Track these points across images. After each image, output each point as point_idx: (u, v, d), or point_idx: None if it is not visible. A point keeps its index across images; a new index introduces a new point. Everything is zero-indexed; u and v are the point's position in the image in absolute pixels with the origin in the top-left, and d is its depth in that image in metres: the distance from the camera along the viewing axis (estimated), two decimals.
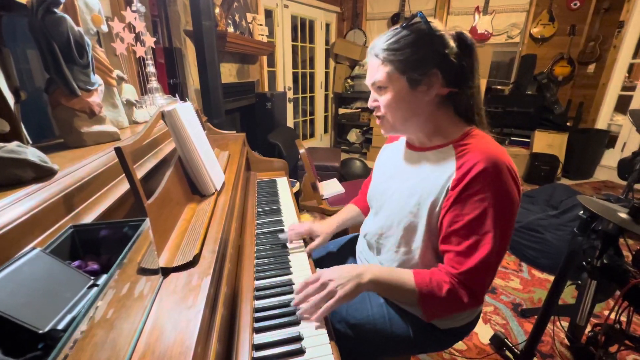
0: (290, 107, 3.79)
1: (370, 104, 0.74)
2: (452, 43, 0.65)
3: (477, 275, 0.62)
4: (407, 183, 0.74)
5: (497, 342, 1.36)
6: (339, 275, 0.65)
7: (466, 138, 0.68)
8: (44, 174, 0.49)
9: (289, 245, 0.92)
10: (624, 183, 2.79)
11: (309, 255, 0.90)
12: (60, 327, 0.31)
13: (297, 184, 2.27)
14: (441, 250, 0.68)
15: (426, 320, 0.69)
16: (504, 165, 0.61)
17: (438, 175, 0.67)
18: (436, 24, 0.65)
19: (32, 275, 0.34)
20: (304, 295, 0.66)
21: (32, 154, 0.48)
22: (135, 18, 1.11)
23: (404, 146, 0.81)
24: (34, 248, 0.36)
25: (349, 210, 1.05)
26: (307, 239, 0.96)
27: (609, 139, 3.35)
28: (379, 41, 0.68)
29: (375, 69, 0.68)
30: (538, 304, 1.62)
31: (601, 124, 3.48)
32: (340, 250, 1.06)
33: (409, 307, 0.77)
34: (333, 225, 0.99)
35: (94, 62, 0.75)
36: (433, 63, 0.64)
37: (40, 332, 0.30)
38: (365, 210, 1.00)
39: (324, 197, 2.02)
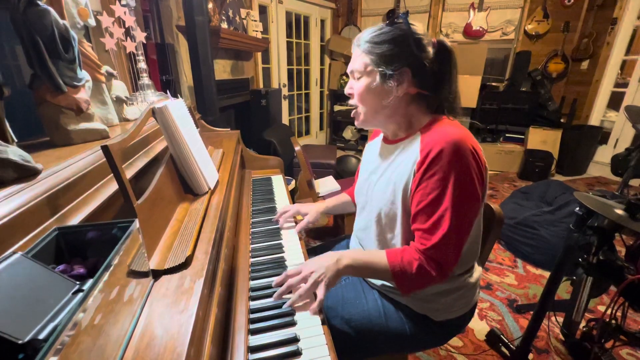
0: (285, 104, 3.76)
1: (346, 90, 0.78)
2: (429, 48, 0.69)
3: (441, 249, 0.66)
4: (384, 175, 0.78)
5: (493, 338, 1.36)
6: (319, 265, 0.68)
7: (432, 124, 0.72)
8: (26, 173, 0.47)
9: (280, 225, 1.00)
10: (617, 179, 2.82)
11: (300, 238, 0.95)
12: (41, 336, 0.30)
13: (293, 182, 2.26)
14: (412, 229, 0.71)
15: (402, 293, 0.73)
16: (462, 144, 0.65)
17: (407, 161, 0.71)
18: (418, 28, 0.69)
19: (13, 281, 0.32)
20: (287, 287, 0.68)
21: (14, 153, 0.45)
22: (125, 12, 1.08)
23: (381, 141, 0.85)
24: (14, 252, 0.34)
25: (340, 197, 1.09)
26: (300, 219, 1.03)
27: (601, 135, 3.38)
28: (364, 34, 0.72)
29: (355, 58, 0.73)
30: (533, 300, 1.63)
31: (594, 120, 3.51)
32: (337, 250, 1.05)
33: (403, 300, 0.78)
34: (322, 206, 1.04)
35: (80, 57, 0.72)
36: (405, 62, 0.68)
37: (20, 342, 0.28)
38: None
39: (319, 195, 2.01)
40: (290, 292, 0.69)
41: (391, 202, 0.74)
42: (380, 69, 0.69)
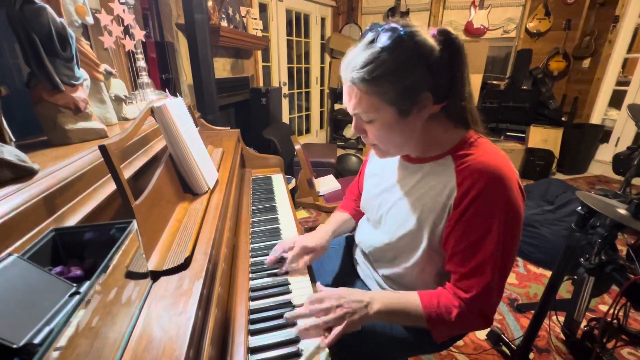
0: (285, 102, 3.75)
1: (354, 131, 0.66)
2: (438, 52, 0.55)
3: (486, 299, 0.60)
4: (406, 199, 0.69)
5: (494, 337, 1.36)
6: (348, 301, 0.60)
7: (465, 147, 0.62)
8: (22, 174, 0.46)
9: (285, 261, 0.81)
10: (618, 177, 2.81)
11: (309, 268, 0.83)
12: (36, 340, 0.29)
13: (293, 181, 2.25)
14: (447, 269, 0.65)
15: (438, 341, 0.65)
16: (506, 178, 0.57)
17: (438, 192, 0.63)
18: (419, 30, 0.55)
19: (8, 284, 0.32)
20: (310, 311, 0.61)
21: (9, 152, 0.45)
22: (123, 10, 1.07)
23: (397, 157, 0.75)
24: (10, 254, 0.34)
25: (340, 218, 0.97)
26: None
27: (603, 133, 3.37)
28: (354, 62, 0.57)
29: (357, 98, 0.59)
30: (534, 299, 1.63)
31: (595, 118, 3.50)
32: (338, 250, 1.04)
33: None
34: (327, 236, 0.87)
35: (78, 55, 0.72)
36: (424, 87, 0.56)
37: (15, 346, 0.28)
38: (356, 215, 0.97)
39: (320, 194, 2.00)
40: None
41: (413, 232, 0.67)
42: (395, 106, 0.58)
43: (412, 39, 0.54)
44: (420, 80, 0.56)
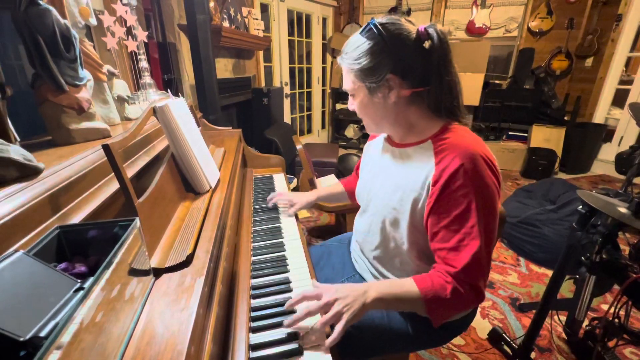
0: (287, 102, 3.76)
1: (349, 107, 0.77)
2: (414, 42, 0.63)
3: (473, 270, 0.62)
4: (390, 180, 0.75)
5: (495, 336, 1.36)
6: (344, 295, 0.60)
7: (444, 132, 0.68)
8: (28, 172, 0.47)
9: (280, 207, 1.09)
10: (621, 177, 2.79)
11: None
12: (42, 334, 0.30)
13: (295, 180, 2.26)
14: (432, 248, 0.68)
15: (435, 325, 0.66)
16: (480, 156, 0.62)
17: (419, 172, 0.68)
18: (395, 23, 0.64)
19: (14, 279, 0.32)
20: (306, 313, 0.59)
21: (16, 152, 0.46)
22: (126, 11, 1.08)
23: (383, 142, 0.82)
24: (16, 250, 0.35)
25: (334, 187, 1.11)
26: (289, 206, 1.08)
27: (606, 133, 3.35)
28: (345, 48, 0.70)
29: (344, 76, 0.72)
30: (536, 298, 1.63)
31: (598, 118, 3.48)
32: (338, 248, 1.05)
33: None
34: (313, 196, 1.08)
35: (82, 56, 0.73)
36: (387, 69, 0.65)
37: (22, 339, 0.29)
38: (351, 194, 1.03)
39: None
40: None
41: (397, 210, 0.71)
42: (365, 84, 0.68)
43: (379, 29, 0.63)
44: (384, 63, 0.64)
